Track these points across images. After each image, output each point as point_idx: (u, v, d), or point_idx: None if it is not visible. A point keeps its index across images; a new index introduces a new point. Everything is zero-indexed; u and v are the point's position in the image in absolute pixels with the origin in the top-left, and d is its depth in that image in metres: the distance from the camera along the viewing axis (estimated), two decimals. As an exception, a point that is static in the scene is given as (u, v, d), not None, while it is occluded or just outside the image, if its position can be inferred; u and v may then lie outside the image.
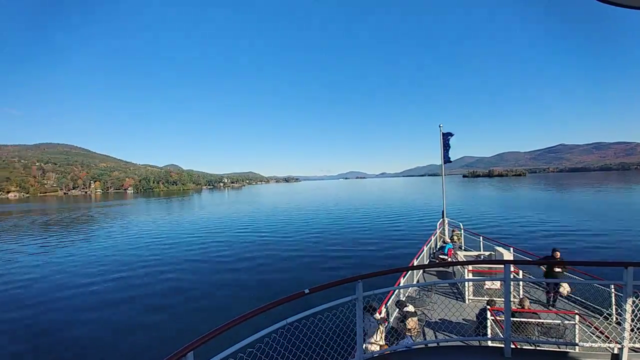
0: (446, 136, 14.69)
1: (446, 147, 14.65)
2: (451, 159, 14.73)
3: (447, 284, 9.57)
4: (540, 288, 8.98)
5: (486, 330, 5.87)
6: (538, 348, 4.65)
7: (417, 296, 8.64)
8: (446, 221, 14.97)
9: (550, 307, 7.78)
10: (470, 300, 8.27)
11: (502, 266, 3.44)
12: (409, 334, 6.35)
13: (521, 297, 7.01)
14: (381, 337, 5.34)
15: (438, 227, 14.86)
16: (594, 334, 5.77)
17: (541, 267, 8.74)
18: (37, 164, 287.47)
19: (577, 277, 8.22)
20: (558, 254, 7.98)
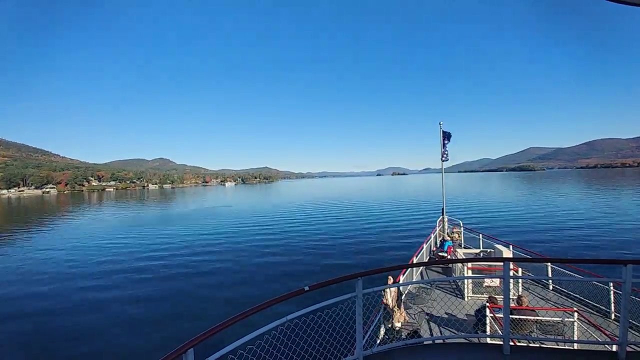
0: (446, 134, 14.65)
1: (445, 145, 14.62)
2: (448, 158, 14.74)
3: (446, 282, 9.61)
4: (539, 285, 9.01)
5: (485, 328, 5.90)
6: (537, 345, 4.67)
7: (417, 293, 8.68)
8: (446, 218, 14.97)
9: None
10: (469, 298, 8.30)
11: (502, 264, 3.44)
12: (410, 331, 6.38)
13: (520, 294, 7.03)
14: None
15: (438, 224, 14.87)
16: (593, 332, 5.80)
17: None
18: None
19: (576, 275, 8.24)
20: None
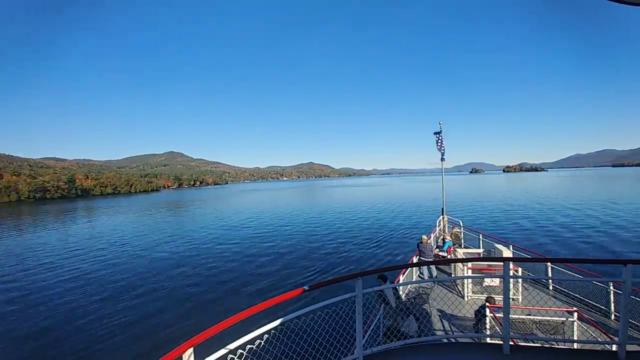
0: (439, 134, 14.28)
1: (441, 145, 14.34)
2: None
3: (446, 281, 9.60)
4: (540, 285, 9.01)
5: (485, 327, 5.90)
6: (537, 345, 4.67)
7: (417, 293, 8.68)
8: (446, 218, 14.95)
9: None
10: (469, 298, 8.30)
11: (502, 263, 3.44)
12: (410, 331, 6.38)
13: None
14: None
15: (438, 224, 14.86)
16: (593, 332, 5.80)
17: None
18: None
19: (576, 275, 8.24)
20: None
